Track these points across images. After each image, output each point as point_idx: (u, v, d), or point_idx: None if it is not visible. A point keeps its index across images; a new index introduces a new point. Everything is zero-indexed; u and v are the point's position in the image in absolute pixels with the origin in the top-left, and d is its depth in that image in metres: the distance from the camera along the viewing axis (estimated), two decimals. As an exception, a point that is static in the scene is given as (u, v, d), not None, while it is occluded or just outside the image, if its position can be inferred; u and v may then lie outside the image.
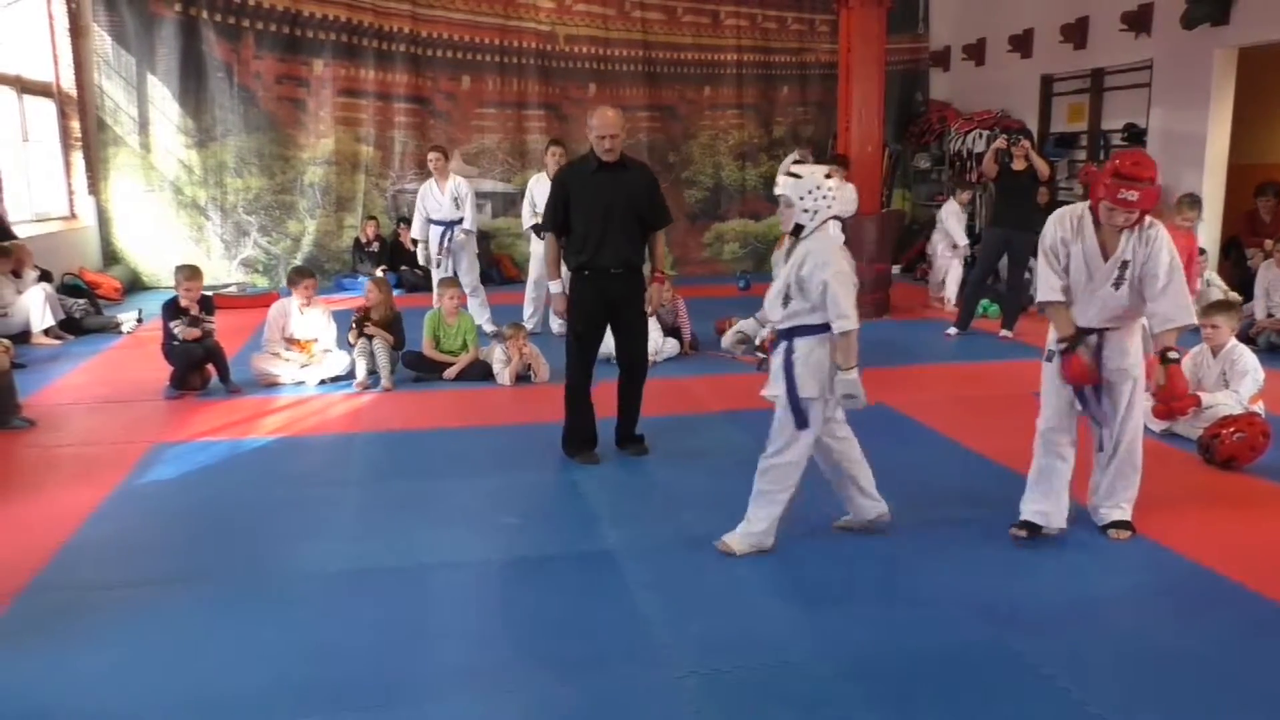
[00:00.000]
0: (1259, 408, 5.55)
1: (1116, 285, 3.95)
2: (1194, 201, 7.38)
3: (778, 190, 3.98)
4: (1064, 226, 4.07)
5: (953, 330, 8.89)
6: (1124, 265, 3.92)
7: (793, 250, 3.96)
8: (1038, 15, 11.97)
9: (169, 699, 3.02)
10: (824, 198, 3.89)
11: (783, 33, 13.66)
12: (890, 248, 10.49)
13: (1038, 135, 12.10)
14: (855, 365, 3.88)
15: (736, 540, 4.06)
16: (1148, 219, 3.94)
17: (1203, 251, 8.73)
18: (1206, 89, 9.77)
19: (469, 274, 8.76)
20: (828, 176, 3.96)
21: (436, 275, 8.61)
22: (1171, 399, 3.98)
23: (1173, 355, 3.92)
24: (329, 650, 3.31)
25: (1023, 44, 12.32)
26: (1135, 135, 10.79)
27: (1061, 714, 2.94)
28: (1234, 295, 8.21)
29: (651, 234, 5.23)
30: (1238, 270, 9.68)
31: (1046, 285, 4.12)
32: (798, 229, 3.91)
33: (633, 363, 5.32)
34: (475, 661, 3.27)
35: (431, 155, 8.78)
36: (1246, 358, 5.71)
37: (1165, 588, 3.81)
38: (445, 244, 8.63)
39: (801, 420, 3.92)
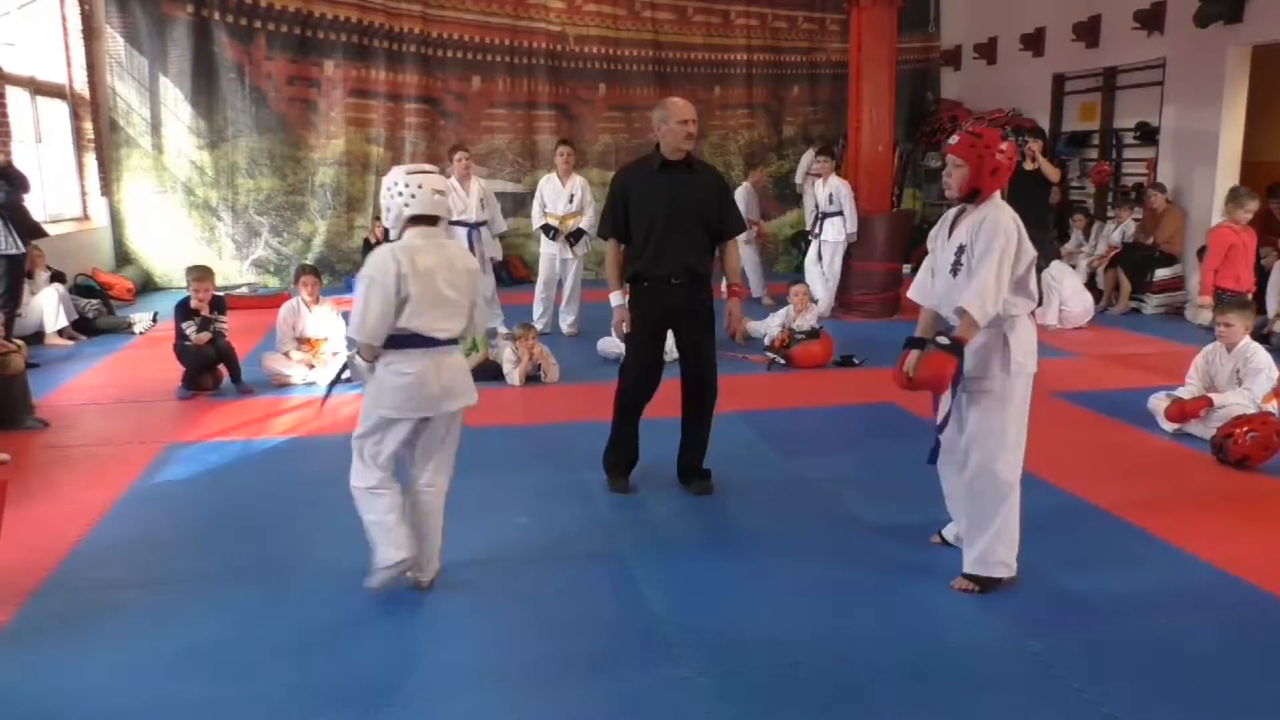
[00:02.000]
0: (1272, 407, 5.51)
1: (954, 271, 3.59)
2: (1251, 194, 7.27)
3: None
4: (945, 216, 3.80)
5: None
6: (960, 249, 3.57)
7: None
8: (1049, 14, 11.93)
9: (181, 699, 3.03)
10: (398, 195, 3.46)
11: (793, 32, 13.65)
12: (901, 247, 10.47)
13: (1049, 134, 12.05)
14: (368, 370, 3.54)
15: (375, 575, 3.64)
16: (993, 202, 3.59)
17: None
18: (1219, 87, 9.72)
19: (489, 275, 8.82)
20: (411, 174, 3.50)
21: None
22: (923, 383, 3.56)
23: (941, 340, 3.50)
24: (341, 649, 3.32)
25: (1034, 42, 12.27)
26: (1148, 134, 10.75)
27: (1075, 714, 2.93)
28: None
29: (722, 244, 4.73)
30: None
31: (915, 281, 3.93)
32: (388, 233, 3.60)
33: (698, 384, 4.76)
34: (485, 661, 3.28)
35: (459, 155, 8.72)
36: (1260, 355, 5.68)
37: (1178, 588, 3.79)
38: (477, 246, 8.65)
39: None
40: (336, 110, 12.03)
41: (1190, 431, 5.62)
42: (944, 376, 3.52)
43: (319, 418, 3.75)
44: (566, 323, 8.88)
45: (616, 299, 4.70)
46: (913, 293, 3.94)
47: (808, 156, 12.41)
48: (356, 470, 3.63)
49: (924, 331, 3.80)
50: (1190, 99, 10.09)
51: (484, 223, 8.67)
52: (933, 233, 3.85)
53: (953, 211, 3.77)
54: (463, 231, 8.63)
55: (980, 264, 3.48)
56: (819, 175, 9.95)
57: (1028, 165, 8.66)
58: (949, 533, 4.12)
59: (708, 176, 4.78)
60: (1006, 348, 3.57)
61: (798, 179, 12.35)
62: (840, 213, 9.64)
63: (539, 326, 8.23)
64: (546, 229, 8.69)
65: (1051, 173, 8.64)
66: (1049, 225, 9.08)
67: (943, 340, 3.51)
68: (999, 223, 3.52)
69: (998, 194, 3.64)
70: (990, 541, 3.67)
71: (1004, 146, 3.59)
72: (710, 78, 13.41)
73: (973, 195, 3.60)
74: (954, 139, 3.67)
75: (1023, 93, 12.58)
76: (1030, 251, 3.59)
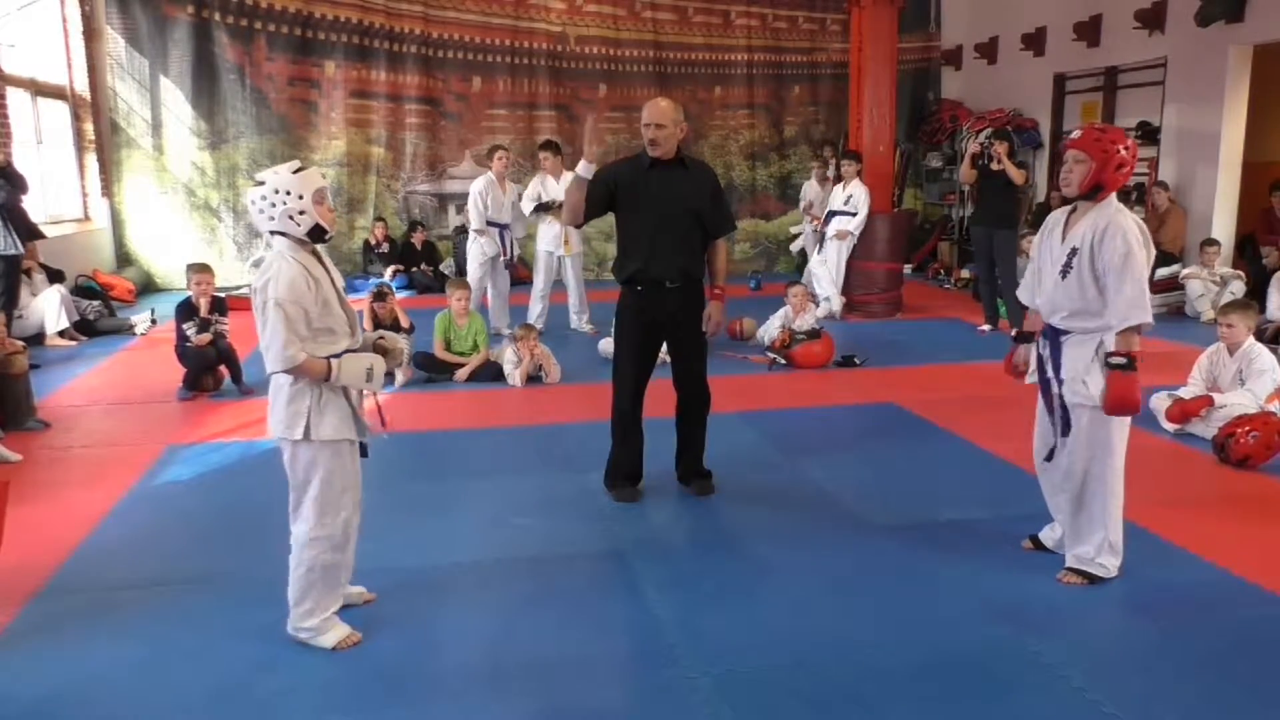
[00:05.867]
0: (1275, 407, 5.51)
1: (1064, 274, 3.59)
2: None
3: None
4: (1052, 217, 3.82)
5: (986, 327, 9.08)
6: (1073, 252, 3.56)
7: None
8: (1051, 13, 11.92)
9: (184, 700, 3.03)
10: (278, 202, 3.07)
11: (794, 32, 13.65)
12: (902, 247, 10.47)
13: (1050, 134, 12.07)
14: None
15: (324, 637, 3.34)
16: (1112, 204, 3.60)
17: None
18: (1221, 86, 9.72)
19: (506, 274, 8.88)
20: (296, 171, 3.14)
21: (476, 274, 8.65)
22: (1118, 407, 3.52)
23: (1116, 361, 3.47)
24: (343, 650, 3.31)
25: (1035, 42, 12.27)
26: (1149, 133, 10.74)
27: (1077, 714, 2.93)
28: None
29: (712, 243, 4.62)
30: (1253, 268, 9.63)
31: (1022, 283, 4.07)
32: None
33: (692, 388, 4.73)
34: (487, 661, 3.28)
35: (500, 154, 8.78)
36: (1264, 356, 5.67)
37: (1181, 587, 3.78)
38: (509, 246, 8.71)
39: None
40: (337, 111, 12.04)
41: (1192, 431, 5.61)
42: (1134, 397, 3.49)
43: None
44: (583, 319, 8.89)
45: (583, 169, 4.48)
46: (1020, 294, 4.05)
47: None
48: None
49: (1031, 326, 3.94)
50: (1192, 98, 10.09)
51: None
52: (1037, 238, 3.89)
53: (1060, 214, 3.79)
54: (495, 231, 8.66)
55: (1123, 274, 3.47)
56: (827, 178, 9.91)
57: (993, 166, 8.70)
58: (1046, 538, 4.07)
59: (701, 173, 4.68)
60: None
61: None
62: (852, 213, 9.65)
63: (538, 326, 8.23)
64: (546, 205, 8.69)
65: (1016, 175, 8.67)
66: (1017, 225, 9.13)
67: (1117, 360, 3.48)
68: (1125, 227, 3.51)
69: (1114, 196, 3.64)
70: (1100, 541, 3.75)
71: (1128, 142, 3.59)
72: (711, 78, 13.41)
73: (1093, 193, 3.58)
74: (1075, 134, 3.65)
75: (1024, 92, 12.58)
76: (1153, 255, 3.61)
